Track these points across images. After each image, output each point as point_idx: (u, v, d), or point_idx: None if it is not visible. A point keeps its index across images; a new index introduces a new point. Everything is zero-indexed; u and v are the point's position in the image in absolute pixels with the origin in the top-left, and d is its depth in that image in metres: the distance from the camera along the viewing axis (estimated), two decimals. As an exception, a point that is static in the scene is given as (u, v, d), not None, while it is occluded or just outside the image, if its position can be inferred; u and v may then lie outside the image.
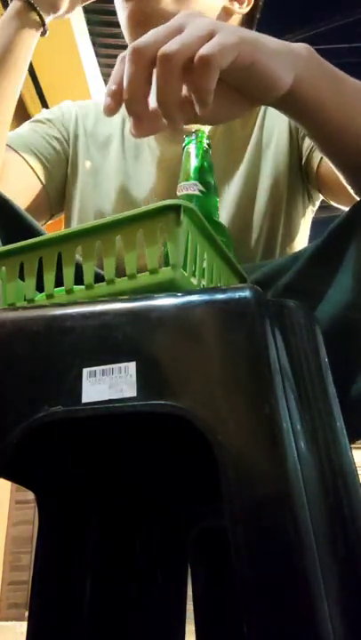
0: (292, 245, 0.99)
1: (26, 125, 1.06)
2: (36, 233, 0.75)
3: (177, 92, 0.59)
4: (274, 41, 0.64)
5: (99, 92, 3.65)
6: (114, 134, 1.06)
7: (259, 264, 0.82)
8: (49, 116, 1.07)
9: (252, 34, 0.62)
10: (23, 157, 0.99)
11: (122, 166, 1.02)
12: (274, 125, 0.99)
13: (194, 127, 0.87)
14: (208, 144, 0.77)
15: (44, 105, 3.54)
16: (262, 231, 0.95)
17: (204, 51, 0.56)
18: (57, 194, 1.04)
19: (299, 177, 0.99)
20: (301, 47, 0.66)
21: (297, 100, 0.65)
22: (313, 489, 0.43)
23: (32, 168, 0.99)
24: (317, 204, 1.04)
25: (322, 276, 0.67)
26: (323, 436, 0.46)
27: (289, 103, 0.66)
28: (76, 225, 1.01)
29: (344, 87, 0.68)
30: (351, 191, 0.76)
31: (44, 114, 1.09)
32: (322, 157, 0.93)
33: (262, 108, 1.02)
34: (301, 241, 1.01)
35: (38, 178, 1.00)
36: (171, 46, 0.57)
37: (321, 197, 1.03)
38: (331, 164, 0.75)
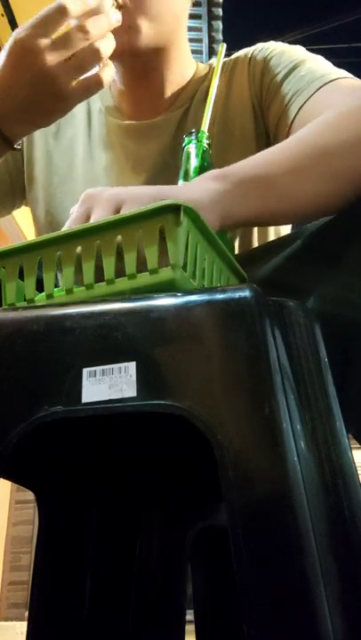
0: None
1: None
2: None
3: None
4: (192, 192, 0.64)
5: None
6: (78, 134, 1.01)
7: None
8: None
9: (168, 193, 0.62)
10: None
11: (90, 170, 0.98)
12: (237, 108, 0.94)
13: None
14: (208, 144, 0.77)
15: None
16: None
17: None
18: None
19: None
20: (217, 179, 0.65)
21: (236, 225, 0.71)
22: (313, 489, 0.43)
23: None
24: None
25: (309, 273, 0.68)
26: (323, 436, 0.46)
27: (232, 228, 0.72)
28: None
29: (272, 187, 0.67)
30: None
31: None
32: (290, 124, 0.86)
33: (224, 92, 0.95)
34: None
35: None
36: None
37: None
38: None
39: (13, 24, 3.11)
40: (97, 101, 1.02)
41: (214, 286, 0.59)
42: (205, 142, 0.76)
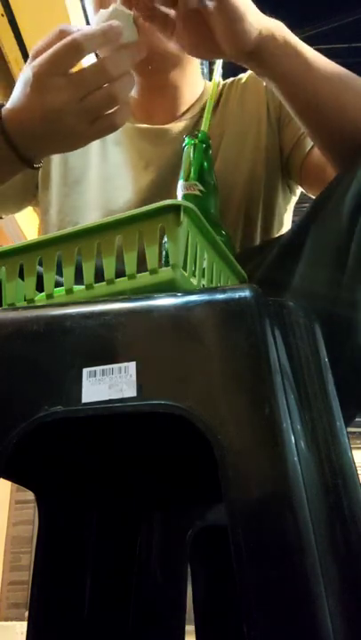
0: (273, 232, 0.99)
1: None
2: None
3: None
4: (250, 9, 0.72)
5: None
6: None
7: None
8: None
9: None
10: None
11: (104, 169, 1.00)
12: (251, 121, 0.99)
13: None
14: (208, 144, 0.77)
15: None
16: (240, 216, 0.95)
17: None
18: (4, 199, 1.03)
19: (277, 170, 0.99)
20: (270, 22, 0.74)
21: (261, 63, 0.75)
22: (313, 489, 0.43)
23: None
24: (298, 192, 1.04)
25: (287, 268, 0.70)
26: (323, 436, 0.46)
27: (255, 61, 0.75)
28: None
29: (310, 59, 0.75)
30: (332, 163, 0.80)
31: None
32: (307, 153, 0.94)
33: (236, 96, 1.01)
34: (283, 229, 1.01)
35: None
36: None
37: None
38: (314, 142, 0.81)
39: (13, 24, 3.11)
40: None
41: (214, 286, 0.59)
42: (205, 142, 0.76)
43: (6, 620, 4.05)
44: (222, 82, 1.05)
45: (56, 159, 1.03)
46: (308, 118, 0.79)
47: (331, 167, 0.83)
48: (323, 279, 0.67)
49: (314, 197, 0.92)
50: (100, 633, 0.75)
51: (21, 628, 3.42)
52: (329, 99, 0.75)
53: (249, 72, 1.03)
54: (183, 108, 1.01)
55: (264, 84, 1.00)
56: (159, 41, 0.86)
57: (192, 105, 1.02)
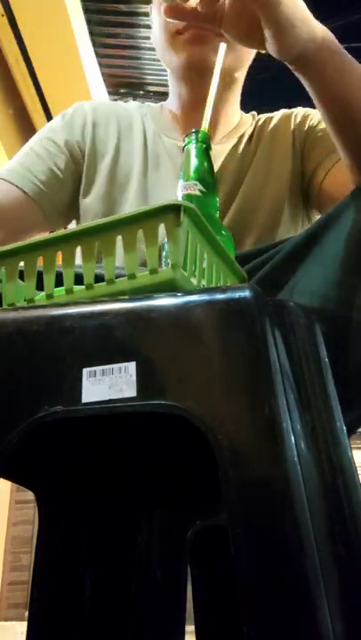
0: None
1: (35, 143, 1.07)
2: None
3: None
4: (300, 14, 0.73)
5: (99, 92, 3.64)
6: (135, 150, 1.06)
7: (248, 252, 0.84)
8: (66, 137, 1.07)
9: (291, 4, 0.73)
10: (13, 183, 1.02)
11: (143, 186, 1.03)
12: (278, 150, 1.04)
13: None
14: (208, 144, 0.77)
15: (44, 105, 3.53)
16: (263, 238, 0.98)
17: None
18: (55, 211, 1.05)
19: (298, 196, 1.03)
20: (319, 30, 0.75)
21: (304, 69, 0.76)
22: (313, 489, 0.43)
23: (21, 189, 1.02)
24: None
25: (292, 269, 0.71)
26: (323, 436, 0.46)
27: (297, 69, 0.76)
28: None
29: (350, 68, 0.77)
30: (354, 174, 0.81)
31: (58, 132, 1.08)
32: (326, 173, 0.98)
33: (268, 128, 1.06)
34: None
35: (28, 195, 1.02)
36: None
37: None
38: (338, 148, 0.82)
39: (13, 24, 3.11)
40: (151, 123, 1.10)
41: (214, 286, 0.59)
42: (205, 142, 0.76)
43: (6, 620, 4.06)
44: (257, 116, 1.12)
45: (103, 169, 1.05)
46: (340, 127, 0.79)
47: (348, 190, 0.83)
48: (335, 281, 0.67)
49: None
50: (100, 633, 0.75)
51: (21, 628, 3.42)
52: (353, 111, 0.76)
53: (281, 111, 1.10)
54: (221, 134, 1.06)
55: (292, 118, 1.07)
56: (210, 53, 0.90)
57: (230, 132, 1.07)
